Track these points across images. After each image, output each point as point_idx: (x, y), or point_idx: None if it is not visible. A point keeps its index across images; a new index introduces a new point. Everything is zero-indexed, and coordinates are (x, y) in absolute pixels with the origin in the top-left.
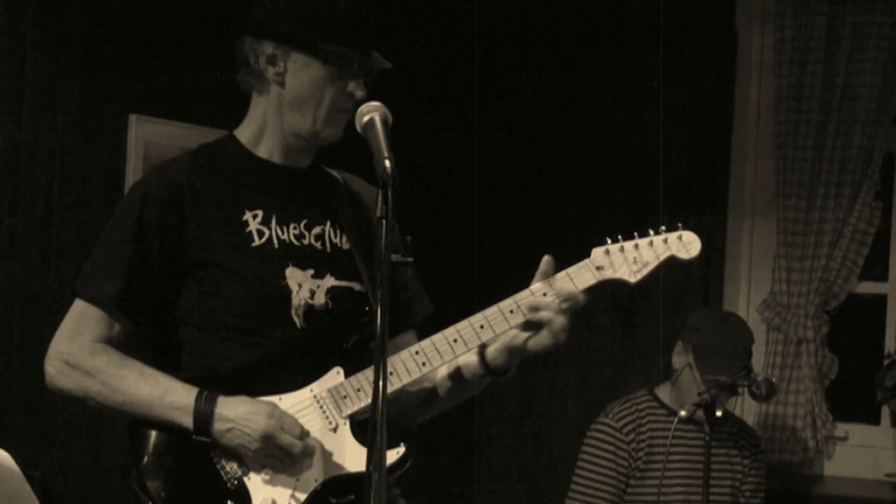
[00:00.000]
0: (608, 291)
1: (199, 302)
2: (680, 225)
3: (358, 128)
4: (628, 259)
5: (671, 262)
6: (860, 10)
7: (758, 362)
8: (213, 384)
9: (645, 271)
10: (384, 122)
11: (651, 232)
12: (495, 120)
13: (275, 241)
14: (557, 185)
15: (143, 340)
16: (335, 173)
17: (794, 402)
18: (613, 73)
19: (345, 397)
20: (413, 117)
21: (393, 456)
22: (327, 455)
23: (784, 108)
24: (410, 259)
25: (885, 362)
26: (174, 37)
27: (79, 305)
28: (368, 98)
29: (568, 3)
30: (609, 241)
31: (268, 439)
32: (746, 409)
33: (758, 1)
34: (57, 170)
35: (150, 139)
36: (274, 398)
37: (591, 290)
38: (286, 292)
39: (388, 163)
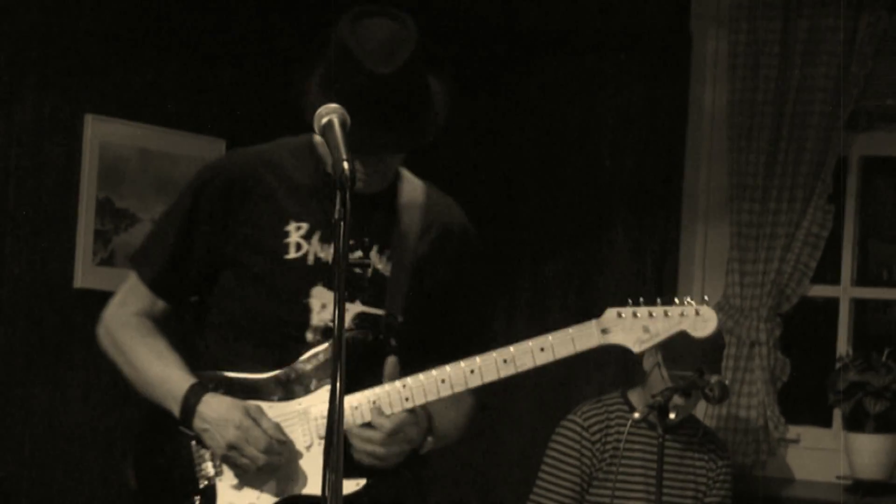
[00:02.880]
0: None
1: (225, 297)
2: (705, 298)
3: (316, 129)
4: (638, 326)
5: (681, 337)
6: (814, 15)
7: None
8: (221, 379)
9: (652, 342)
10: (342, 124)
11: (675, 301)
12: (448, 124)
13: (310, 257)
14: (511, 187)
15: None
16: (423, 195)
17: (747, 405)
18: (567, 76)
19: (325, 417)
20: None
21: (351, 486)
22: (294, 472)
23: (738, 112)
24: (368, 262)
25: (837, 365)
26: (131, 35)
27: (131, 276)
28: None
29: (521, 6)
30: (630, 302)
31: (232, 448)
32: (700, 411)
33: (712, 4)
34: (12, 168)
35: (105, 139)
36: (265, 404)
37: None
38: (306, 311)
39: (346, 164)
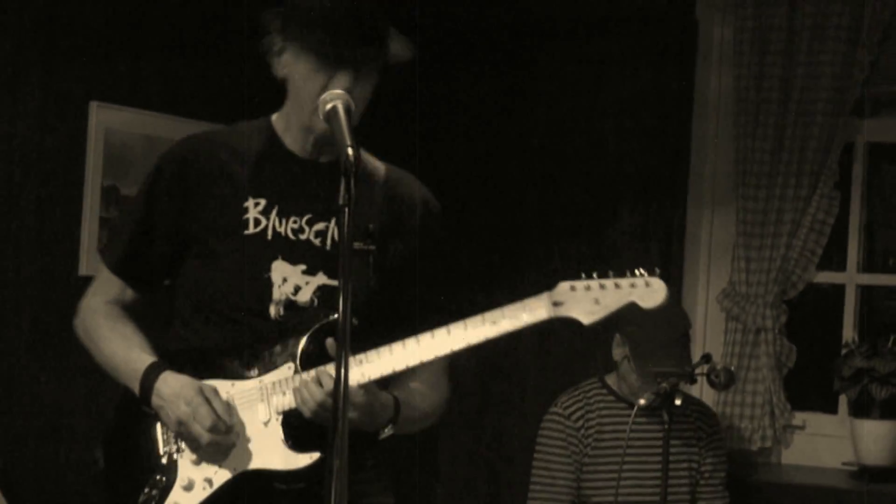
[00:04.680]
0: (566, 278)
1: (191, 279)
2: (657, 271)
3: (321, 115)
4: (589, 299)
5: (632, 308)
6: (820, 1)
7: (717, 351)
8: (189, 360)
9: (601, 314)
10: (347, 110)
11: (627, 273)
12: (457, 110)
13: (269, 232)
14: (517, 173)
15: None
16: (383, 171)
17: (753, 391)
18: (574, 62)
19: (284, 393)
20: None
21: (302, 460)
22: (252, 447)
23: (744, 98)
24: (373, 247)
25: (843, 351)
26: (136, 23)
27: (101, 265)
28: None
29: None
30: (583, 277)
31: (181, 425)
32: (705, 397)
33: None
34: (17, 157)
35: (110, 126)
36: (228, 383)
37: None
38: (267, 285)
39: (350, 151)
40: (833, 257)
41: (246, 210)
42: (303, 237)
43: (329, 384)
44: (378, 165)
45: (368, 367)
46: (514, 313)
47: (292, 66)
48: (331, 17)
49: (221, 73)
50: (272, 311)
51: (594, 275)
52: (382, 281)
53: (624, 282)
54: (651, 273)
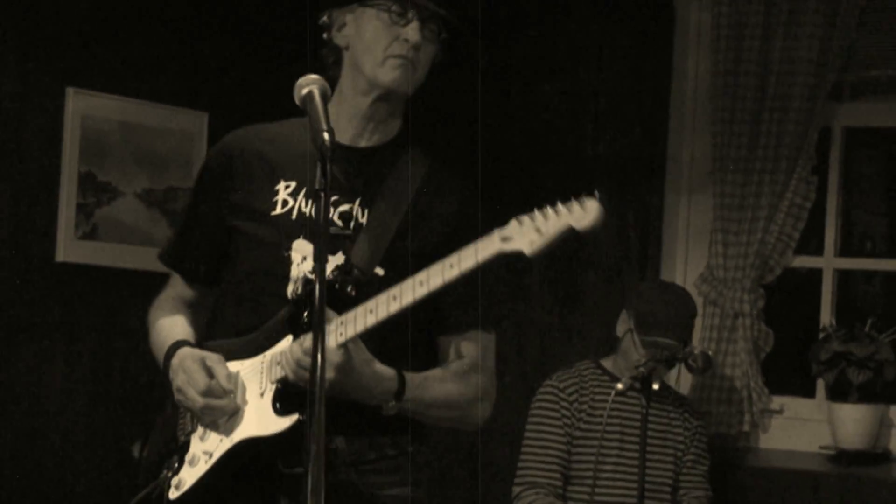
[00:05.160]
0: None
1: (230, 267)
2: (596, 194)
3: (297, 100)
4: (532, 229)
5: (570, 234)
6: None
7: (694, 336)
8: (225, 344)
9: (542, 242)
10: (323, 94)
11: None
12: (433, 92)
13: (294, 212)
14: (496, 159)
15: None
16: (426, 164)
17: (730, 376)
18: (552, 48)
19: (278, 363)
20: None
21: (284, 423)
22: (247, 416)
23: (721, 84)
24: (349, 232)
25: (820, 336)
26: (112, 9)
27: None
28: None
29: None
30: (535, 211)
31: (179, 392)
32: (683, 382)
33: None
34: None
35: (87, 112)
36: (238, 363)
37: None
38: (287, 263)
39: (326, 135)
40: (810, 242)
41: (276, 192)
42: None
43: (307, 343)
44: (422, 157)
45: (348, 326)
46: (466, 256)
47: (355, 34)
48: None
49: (198, 60)
50: (289, 289)
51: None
52: (398, 265)
53: (560, 208)
54: (589, 195)
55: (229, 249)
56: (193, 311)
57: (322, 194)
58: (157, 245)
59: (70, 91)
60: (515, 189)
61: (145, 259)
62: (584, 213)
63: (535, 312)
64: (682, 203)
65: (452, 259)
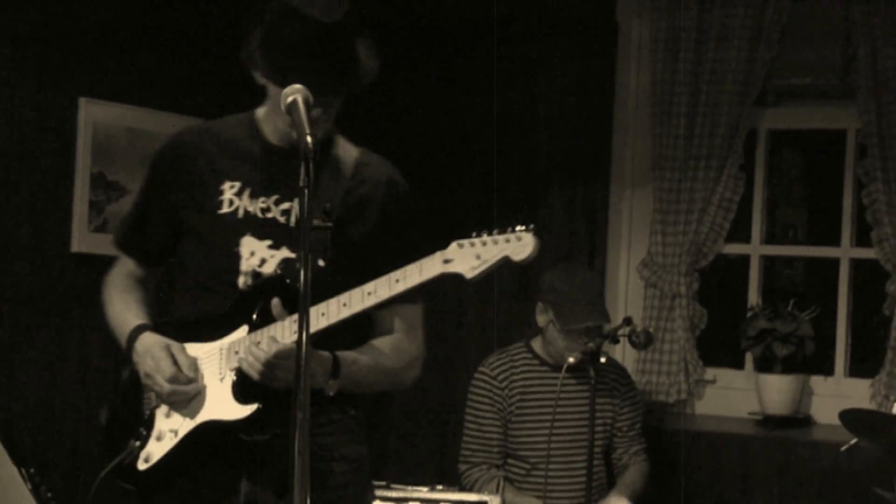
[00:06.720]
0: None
1: (181, 256)
2: (529, 227)
3: (282, 107)
4: (472, 255)
5: (507, 263)
6: (726, 5)
7: (637, 315)
8: (180, 329)
9: (482, 268)
10: (306, 102)
11: (508, 229)
12: (402, 102)
13: (240, 211)
14: (458, 159)
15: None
16: (354, 156)
17: (669, 350)
18: (508, 61)
19: (236, 352)
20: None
21: (244, 411)
22: (208, 401)
23: (659, 91)
24: (330, 224)
25: (749, 314)
26: (125, 20)
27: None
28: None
29: None
30: (473, 235)
31: (147, 377)
32: (626, 356)
33: None
34: (15, 147)
35: (98, 119)
36: (198, 345)
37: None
38: (237, 258)
39: (309, 139)
40: (739, 231)
41: (222, 192)
42: (269, 215)
43: (265, 345)
44: (351, 150)
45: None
46: (411, 273)
47: (274, 93)
48: (306, 50)
49: (196, 72)
50: (241, 281)
51: (482, 233)
52: (339, 255)
53: (499, 238)
54: (526, 229)
55: (180, 239)
56: (143, 286)
57: (305, 192)
58: None
59: (82, 101)
60: (478, 185)
61: None
62: (521, 246)
63: (496, 294)
64: (626, 196)
65: (398, 274)
